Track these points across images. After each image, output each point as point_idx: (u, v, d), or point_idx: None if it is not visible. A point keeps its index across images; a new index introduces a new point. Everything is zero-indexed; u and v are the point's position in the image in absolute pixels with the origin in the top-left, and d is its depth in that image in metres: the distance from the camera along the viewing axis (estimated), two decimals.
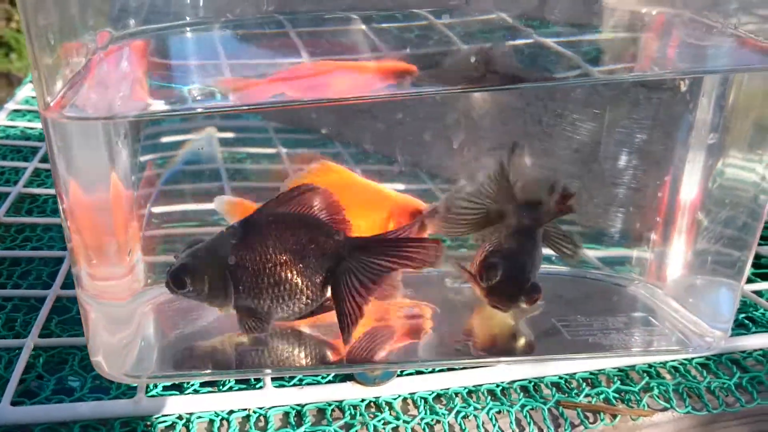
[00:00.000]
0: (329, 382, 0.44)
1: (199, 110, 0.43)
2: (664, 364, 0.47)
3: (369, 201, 0.48)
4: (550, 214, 0.46)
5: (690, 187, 0.47)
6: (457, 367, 0.45)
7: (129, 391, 0.42)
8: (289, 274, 0.39)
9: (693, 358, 0.47)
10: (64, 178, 0.37)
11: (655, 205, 0.49)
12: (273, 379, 0.44)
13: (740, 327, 0.51)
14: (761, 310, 0.52)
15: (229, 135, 0.62)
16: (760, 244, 0.62)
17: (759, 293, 0.54)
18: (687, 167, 0.47)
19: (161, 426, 0.40)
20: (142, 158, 0.46)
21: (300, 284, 0.40)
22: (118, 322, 0.42)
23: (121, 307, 0.43)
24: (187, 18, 0.45)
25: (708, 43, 0.43)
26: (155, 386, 0.43)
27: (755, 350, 0.48)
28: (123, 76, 0.41)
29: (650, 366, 0.47)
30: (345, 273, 0.40)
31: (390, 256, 0.39)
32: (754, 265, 0.59)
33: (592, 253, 0.52)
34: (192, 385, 0.43)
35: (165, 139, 0.49)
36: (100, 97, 0.39)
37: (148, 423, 0.40)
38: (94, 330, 0.40)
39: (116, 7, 0.42)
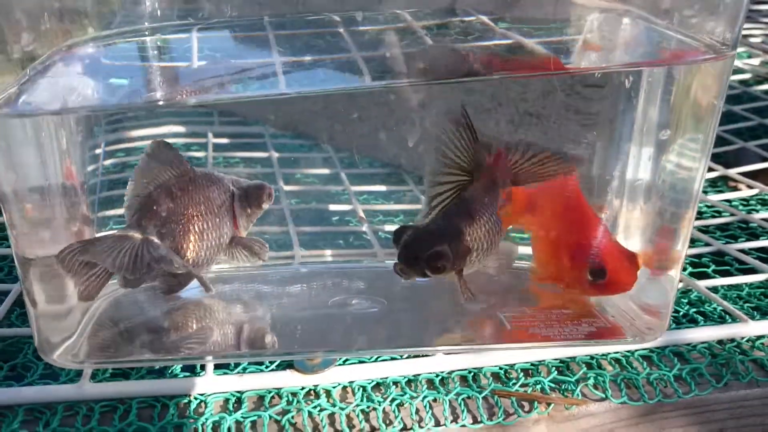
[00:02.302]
0: (272, 370, 0.45)
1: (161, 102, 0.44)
2: (606, 355, 0.47)
3: (580, 226, 0.48)
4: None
5: (631, 179, 0.48)
6: (398, 357, 0.46)
7: (77, 377, 0.44)
8: None
9: (636, 350, 0.47)
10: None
11: (600, 198, 0.50)
12: (216, 367, 0.45)
13: (691, 322, 0.51)
14: (714, 305, 0.52)
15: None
16: (727, 243, 0.62)
17: (714, 289, 0.54)
18: (630, 161, 0.48)
19: (102, 410, 0.42)
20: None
21: None
22: (65, 307, 0.44)
23: (68, 294, 0.44)
24: (145, 23, 0.47)
25: (643, 38, 0.44)
26: (104, 372, 0.45)
27: (701, 343, 0.48)
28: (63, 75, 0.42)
29: (592, 357, 0.47)
30: None
31: None
32: (717, 263, 0.59)
33: None
34: (140, 371, 0.45)
35: (118, 136, 0.51)
36: (48, 95, 0.40)
37: (90, 407, 0.42)
38: (40, 315, 0.42)
39: (72, 10, 0.44)
